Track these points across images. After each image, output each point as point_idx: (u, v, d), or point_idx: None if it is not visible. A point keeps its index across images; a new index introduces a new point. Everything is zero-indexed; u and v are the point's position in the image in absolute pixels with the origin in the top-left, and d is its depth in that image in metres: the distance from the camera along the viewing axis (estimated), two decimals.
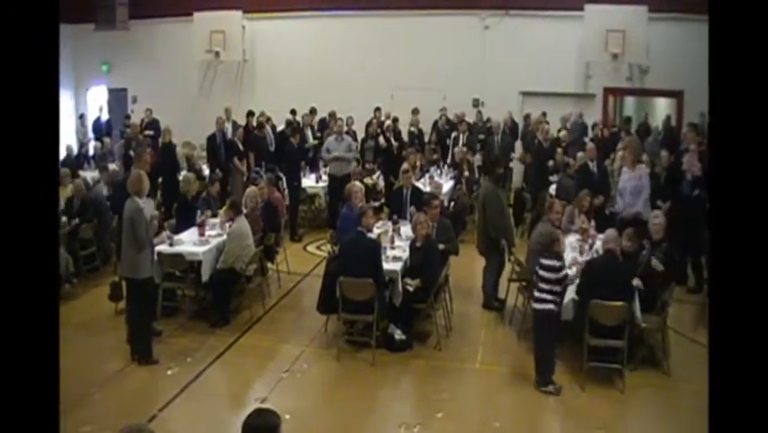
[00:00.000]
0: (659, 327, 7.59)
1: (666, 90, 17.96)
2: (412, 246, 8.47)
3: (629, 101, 20.91)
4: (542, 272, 7.02)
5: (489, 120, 16.49)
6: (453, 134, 15.74)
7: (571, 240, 9.04)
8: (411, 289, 7.99)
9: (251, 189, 9.84)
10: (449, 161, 15.11)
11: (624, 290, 7.13)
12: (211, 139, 13.89)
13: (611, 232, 7.71)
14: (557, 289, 6.99)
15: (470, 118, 16.71)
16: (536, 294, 7.06)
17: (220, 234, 9.15)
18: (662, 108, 19.39)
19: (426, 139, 16.48)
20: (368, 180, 12.81)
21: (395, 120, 16.03)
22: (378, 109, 16.49)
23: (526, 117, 16.62)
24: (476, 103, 18.17)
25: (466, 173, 13.79)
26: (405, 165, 11.46)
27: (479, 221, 9.50)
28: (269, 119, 15.64)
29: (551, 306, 6.95)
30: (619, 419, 6.73)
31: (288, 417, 5.74)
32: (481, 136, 15.81)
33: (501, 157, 11.80)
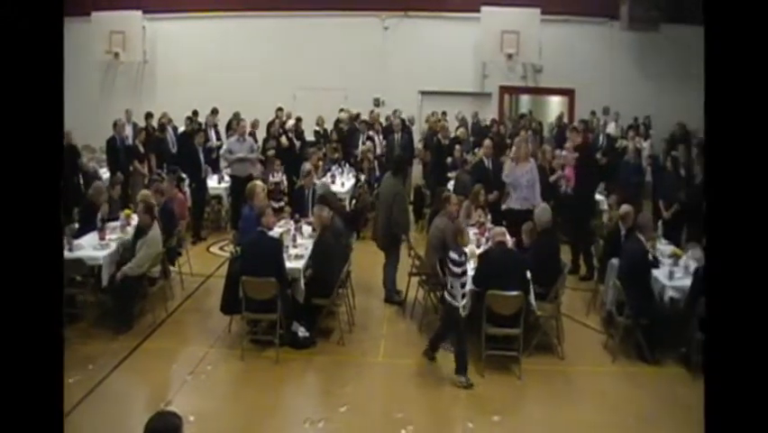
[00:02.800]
0: (553, 314, 7.95)
1: (558, 89, 18.72)
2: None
3: (524, 99, 21.64)
4: (453, 268, 7.11)
5: (388, 118, 16.74)
6: (369, 133, 15.67)
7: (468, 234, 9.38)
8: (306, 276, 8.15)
9: (144, 192, 9.77)
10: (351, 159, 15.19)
11: (519, 279, 7.41)
12: (111, 141, 13.58)
13: (499, 228, 8.16)
14: (465, 280, 7.19)
15: (366, 117, 16.90)
16: (449, 289, 7.19)
17: (120, 238, 9.07)
18: (555, 106, 20.15)
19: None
20: (271, 179, 12.80)
21: (298, 120, 16.03)
22: (280, 109, 16.46)
23: (434, 114, 16.94)
24: (377, 102, 18.47)
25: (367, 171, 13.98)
26: (307, 165, 11.49)
27: (380, 217, 9.62)
28: (170, 120, 15.44)
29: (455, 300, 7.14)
30: (517, 404, 7.04)
31: (192, 418, 5.79)
32: (371, 133, 15.71)
33: (404, 155, 12.04)
